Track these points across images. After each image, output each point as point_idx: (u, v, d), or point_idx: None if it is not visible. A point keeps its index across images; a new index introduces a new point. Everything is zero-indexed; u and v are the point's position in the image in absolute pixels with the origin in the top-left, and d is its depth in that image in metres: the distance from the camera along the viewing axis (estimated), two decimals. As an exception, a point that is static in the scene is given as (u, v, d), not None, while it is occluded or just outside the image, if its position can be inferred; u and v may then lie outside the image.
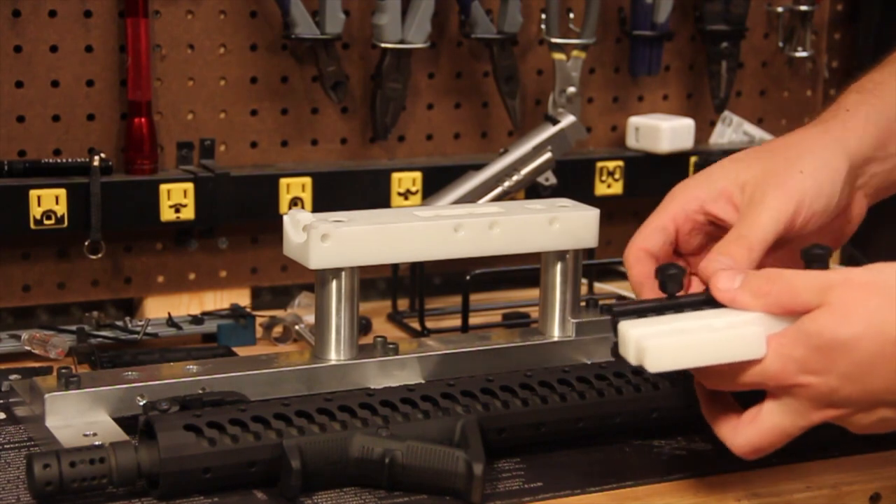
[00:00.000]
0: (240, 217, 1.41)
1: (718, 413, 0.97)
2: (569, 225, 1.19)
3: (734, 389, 0.95)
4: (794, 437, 0.94)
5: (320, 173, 1.43)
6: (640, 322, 0.92)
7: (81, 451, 0.93)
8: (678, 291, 0.95)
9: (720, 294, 0.93)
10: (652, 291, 0.99)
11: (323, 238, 1.10)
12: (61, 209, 1.32)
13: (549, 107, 1.52)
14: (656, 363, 0.91)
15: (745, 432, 0.94)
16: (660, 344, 0.91)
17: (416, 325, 1.39)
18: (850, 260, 1.66)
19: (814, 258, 0.94)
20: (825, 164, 1.01)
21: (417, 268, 1.42)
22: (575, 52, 1.51)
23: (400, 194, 1.46)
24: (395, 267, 1.42)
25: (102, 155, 1.34)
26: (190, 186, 1.37)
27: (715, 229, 1.02)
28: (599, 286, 1.55)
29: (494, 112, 1.54)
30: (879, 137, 1.05)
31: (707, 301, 0.94)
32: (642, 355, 0.91)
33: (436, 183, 1.44)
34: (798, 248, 0.96)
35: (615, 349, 0.93)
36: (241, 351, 1.29)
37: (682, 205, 1.02)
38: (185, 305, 1.42)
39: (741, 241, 0.97)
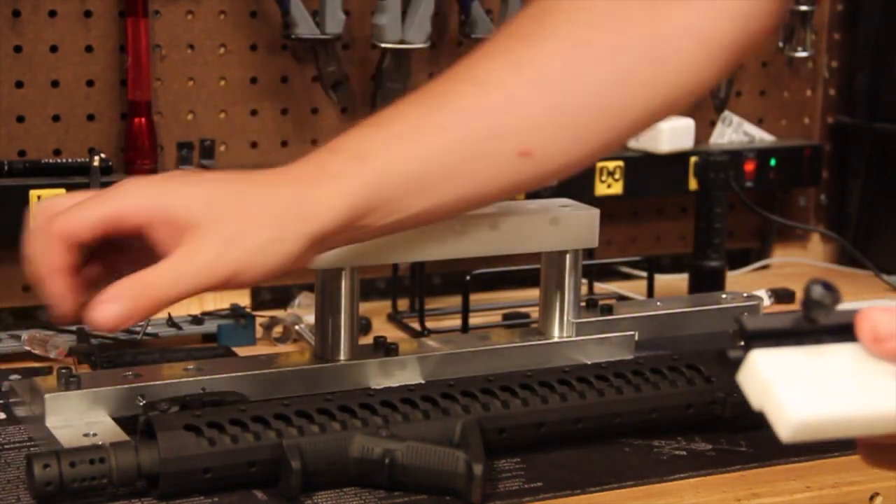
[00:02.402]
0: (240, 217, 1.41)
1: (883, 459, 0.83)
2: (569, 225, 1.19)
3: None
4: None
5: (320, 173, 1.43)
6: (778, 358, 0.77)
7: (81, 451, 0.93)
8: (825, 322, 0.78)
9: (880, 347, 0.77)
10: None
11: (323, 238, 1.10)
12: (61, 209, 1.32)
13: (549, 107, 1.51)
14: (793, 436, 0.75)
15: None
16: (807, 420, 0.75)
17: (416, 325, 1.39)
18: (850, 261, 1.66)
19: None
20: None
21: (417, 268, 1.42)
22: (575, 52, 1.51)
23: (400, 194, 1.46)
24: (395, 267, 1.42)
25: (102, 155, 1.34)
26: (190, 186, 1.37)
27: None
28: (599, 286, 1.54)
29: (494, 112, 1.54)
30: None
31: (849, 327, 0.78)
32: (780, 420, 0.75)
33: (436, 183, 1.44)
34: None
35: (729, 365, 0.78)
36: (241, 351, 1.29)
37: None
38: (185, 305, 1.42)
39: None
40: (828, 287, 0.78)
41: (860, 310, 0.78)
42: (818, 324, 0.78)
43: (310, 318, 1.31)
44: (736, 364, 0.78)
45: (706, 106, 1.64)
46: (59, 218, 0.92)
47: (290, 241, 0.94)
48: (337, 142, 0.99)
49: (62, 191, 1.31)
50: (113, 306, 0.89)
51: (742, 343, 0.78)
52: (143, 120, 1.36)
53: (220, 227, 0.91)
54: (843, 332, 0.78)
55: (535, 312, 1.27)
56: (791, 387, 0.75)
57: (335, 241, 0.98)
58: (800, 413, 0.74)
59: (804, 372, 0.77)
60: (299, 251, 0.95)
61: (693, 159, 1.58)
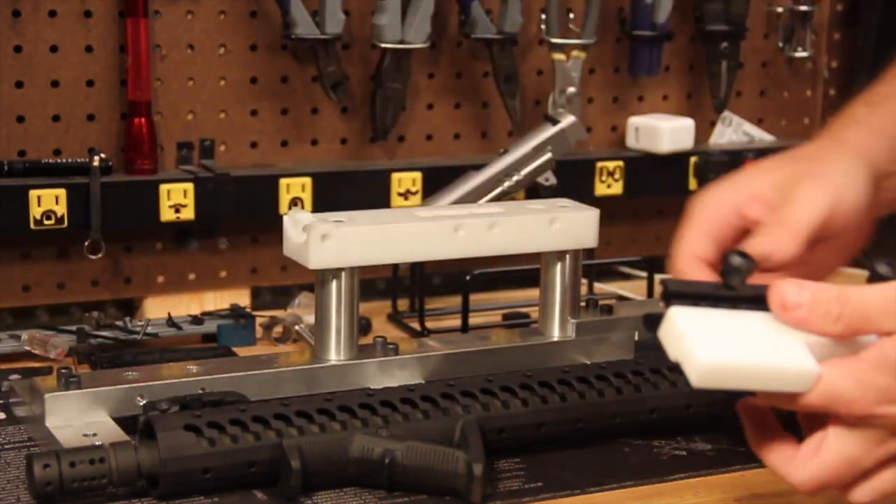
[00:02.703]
0: (240, 217, 1.41)
1: (768, 441, 0.90)
2: (569, 225, 1.19)
3: (791, 409, 0.88)
4: (868, 469, 0.87)
5: (320, 173, 1.43)
6: (695, 314, 0.85)
7: (81, 451, 0.93)
8: (739, 285, 0.88)
9: (787, 315, 0.86)
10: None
11: (323, 238, 1.10)
12: (61, 209, 1.32)
13: (549, 107, 1.52)
14: (702, 380, 0.83)
15: (808, 466, 0.87)
16: (715, 363, 0.83)
17: (416, 325, 1.39)
18: (851, 261, 1.66)
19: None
20: (850, 169, 0.98)
21: (417, 268, 1.42)
22: (575, 53, 1.51)
23: (400, 194, 1.46)
24: (395, 267, 1.42)
25: (102, 155, 1.34)
26: (190, 186, 1.37)
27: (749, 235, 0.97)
28: (599, 286, 1.55)
29: (494, 112, 1.54)
30: (892, 150, 1.02)
31: (762, 298, 0.87)
32: (690, 365, 0.83)
33: (436, 183, 1.44)
34: (827, 251, 0.95)
35: (651, 323, 0.86)
36: (241, 351, 1.29)
37: (716, 211, 0.97)
38: (185, 305, 1.42)
39: (783, 225, 0.93)
40: (744, 256, 0.87)
41: (773, 282, 0.87)
42: (734, 290, 0.87)
43: (310, 318, 1.31)
44: (656, 320, 0.85)
45: (706, 106, 1.64)
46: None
47: (861, 175, 0.98)
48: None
49: (62, 191, 1.31)
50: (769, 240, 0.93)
51: (663, 302, 0.86)
52: (143, 120, 1.36)
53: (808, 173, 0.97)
54: (758, 301, 0.87)
55: (535, 312, 1.27)
56: (702, 336, 0.84)
57: (886, 188, 1.01)
58: (708, 357, 0.83)
59: (716, 327, 0.85)
60: (868, 188, 0.98)
61: (693, 159, 1.58)
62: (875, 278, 0.94)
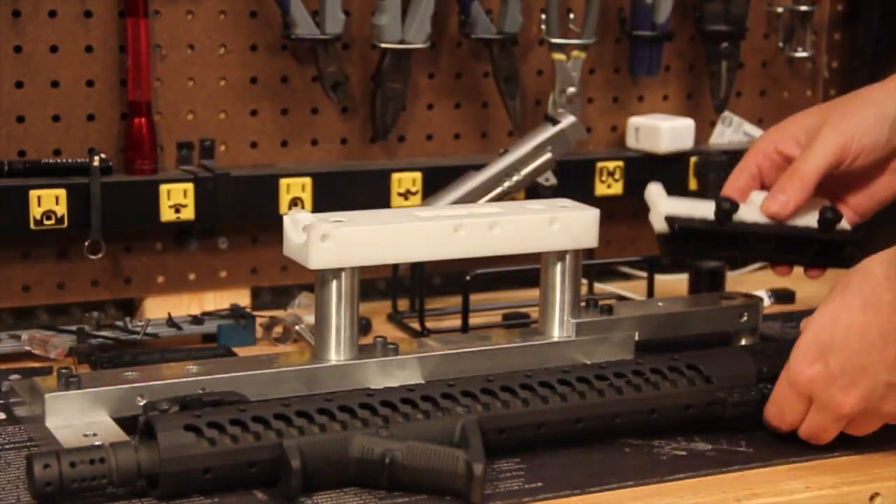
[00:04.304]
0: (240, 217, 1.41)
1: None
2: (569, 225, 1.19)
3: None
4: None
5: (320, 173, 1.43)
6: (671, 199, 1.24)
7: (81, 451, 0.93)
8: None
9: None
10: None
11: (323, 238, 1.10)
12: (61, 209, 1.32)
13: (549, 107, 1.52)
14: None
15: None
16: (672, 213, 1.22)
17: (416, 325, 1.39)
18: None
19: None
20: (874, 109, 1.22)
21: (417, 268, 1.42)
22: (575, 53, 1.51)
23: (400, 194, 1.46)
24: (395, 267, 1.42)
25: (102, 155, 1.34)
26: (190, 187, 1.37)
27: (789, 164, 1.24)
28: (599, 286, 1.55)
29: (494, 112, 1.54)
30: None
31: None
32: (656, 218, 1.22)
33: (436, 183, 1.44)
34: (849, 182, 1.22)
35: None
36: (241, 351, 1.29)
37: (761, 148, 1.26)
38: (185, 305, 1.42)
39: (794, 175, 1.21)
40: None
41: None
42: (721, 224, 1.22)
43: (310, 318, 1.31)
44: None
45: (706, 106, 1.64)
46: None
47: (883, 118, 1.22)
48: None
49: (62, 191, 1.31)
50: (780, 196, 1.21)
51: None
52: (143, 120, 1.37)
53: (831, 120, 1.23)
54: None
55: (535, 312, 1.27)
56: (668, 201, 1.23)
57: None
58: (666, 209, 1.22)
59: (684, 202, 1.23)
60: (885, 129, 1.22)
61: (693, 159, 1.58)
62: None
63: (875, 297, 1.02)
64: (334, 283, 1.12)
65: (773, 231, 1.22)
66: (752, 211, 1.23)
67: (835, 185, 1.25)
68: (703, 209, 1.23)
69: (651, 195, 1.25)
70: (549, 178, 1.44)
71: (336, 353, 1.14)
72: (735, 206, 1.21)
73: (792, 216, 1.22)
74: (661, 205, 1.23)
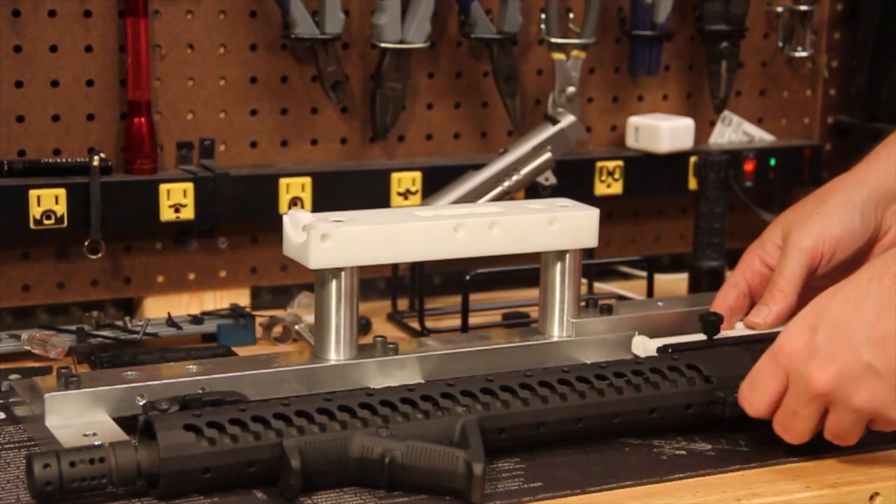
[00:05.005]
0: (240, 217, 1.41)
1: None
2: (569, 225, 1.19)
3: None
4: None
5: (320, 173, 1.43)
6: None
7: (81, 451, 0.93)
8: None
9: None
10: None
11: (323, 238, 1.10)
12: (61, 209, 1.32)
13: (549, 107, 1.52)
14: None
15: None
16: None
17: (415, 325, 1.39)
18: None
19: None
20: (840, 197, 1.19)
21: (417, 268, 1.42)
22: (575, 52, 1.51)
23: (400, 194, 1.46)
24: (395, 267, 1.42)
25: (102, 155, 1.34)
26: (190, 186, 1.37)
27: None
28: (599, 286, 1.55)
29: (494, 112, 1.54)
30: None
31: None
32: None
33: (436, 183, 1.44)
34: (840, 276, 1.08)
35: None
36: (241, 351, 1.29)
37: (747, 263, 1.23)
38: (184, 305, 1.43)
39: (773, 288, 1.18)
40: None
41: None
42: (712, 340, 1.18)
43: (310, 318, 1.31)
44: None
45: (706, 106, 1.64)
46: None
47: (850, 205, 1.19)
48: None
49: (62, 191, 1.31)
50: (763, 308, 1.19)
51: None
52: (142, 120, 1.37)
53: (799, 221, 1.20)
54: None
55: (534, 312, 1.27)
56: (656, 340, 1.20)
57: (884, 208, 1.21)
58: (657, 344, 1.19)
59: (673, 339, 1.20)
60: (856, 216, 1.19)
61: (693, 159, 1.58)
62: None
63: (883, 267, 1.01)
64: (334, 283, 1.12)
65: (758, 338, 1.16)
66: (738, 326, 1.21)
67: (829, 280, 1.14)
68: (692, 336, 1.20)
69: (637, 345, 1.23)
70: (549, 178, 1.45)
71: (336, 353, 1.14)
72: (720, 318, 1.17)
73: (776, 325, 1.17)
74: (650, 344, 1.21)
